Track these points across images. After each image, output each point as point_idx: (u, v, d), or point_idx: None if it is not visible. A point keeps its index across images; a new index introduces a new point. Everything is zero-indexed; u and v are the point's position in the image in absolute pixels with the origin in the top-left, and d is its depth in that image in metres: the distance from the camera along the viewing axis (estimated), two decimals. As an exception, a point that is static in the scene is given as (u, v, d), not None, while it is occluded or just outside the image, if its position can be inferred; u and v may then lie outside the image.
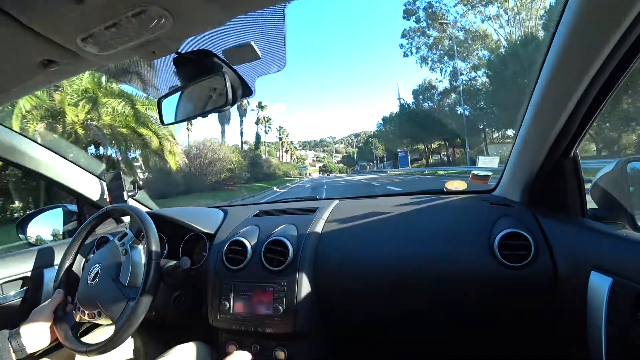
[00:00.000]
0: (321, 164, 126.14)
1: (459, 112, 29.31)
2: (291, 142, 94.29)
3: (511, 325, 0.94)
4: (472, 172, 1.32)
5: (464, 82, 29.57)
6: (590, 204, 0.92)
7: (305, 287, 0.95)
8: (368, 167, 75.14)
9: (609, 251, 0.71)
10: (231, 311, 0.97)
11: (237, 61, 0.66)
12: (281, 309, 0.93)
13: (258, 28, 0.60)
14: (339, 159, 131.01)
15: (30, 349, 0.78)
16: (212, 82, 0.67)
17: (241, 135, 46.66)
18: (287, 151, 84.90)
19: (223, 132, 34.21)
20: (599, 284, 0.67)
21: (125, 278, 0.85)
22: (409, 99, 38.85)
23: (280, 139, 78.52)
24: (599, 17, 0.57)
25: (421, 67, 33.21)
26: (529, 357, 1.00)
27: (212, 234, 1.16)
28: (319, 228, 1.08)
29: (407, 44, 33.20)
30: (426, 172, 26.86)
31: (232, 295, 0.98)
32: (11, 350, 0.75)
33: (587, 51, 0.63)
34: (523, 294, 0.85)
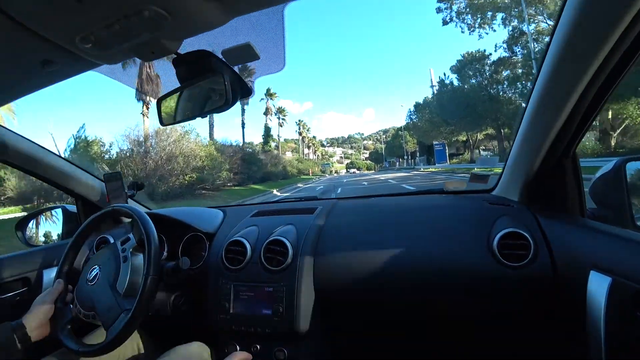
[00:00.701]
0: (348, 161, 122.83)
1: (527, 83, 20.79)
2: (313, 137, 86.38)
3: (510, 325, 0.94)
4: (472, 171, 1.32)
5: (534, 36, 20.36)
6: (589, 203, 0.93)
7: (304, 287, 0.95)
8: (397, 163, 66.65)
9: (608, 251, 0.71)
10: (231, 311, 0.97)
11: (236, 61, 0.66)
12: (281, 309, 0.93)
13: (257, 29, 0.60)
14: (366, 155, 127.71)
15: (34, 339, 0.80)
16: (211, 82, 0.67)
17: (242, 127, 38.25)
18: (309, 147, 78.56)
19: (212, 124, 27.39)
20: (598, 283, 0.67)
21: (122, 286, 0.85)
22: (447, 79, 29.88)
23: (300, 133, 71.05)
24: (598, 15, 0.58)
25: (462, 32, 24.56)
26: (528, 357, 1.00)
27: (212, 234, 1.17)
28: (318, 228, 1.08)
29: (446, 7, 24.91)
30: (475, 170, 17.20)
31: (231, 296, 0.98)
32: (17, 341, 0.76)
33: (586, 50, 0.63)
34: (522, 293, 0.85)
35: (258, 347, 0.95)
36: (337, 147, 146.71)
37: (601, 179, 0.91)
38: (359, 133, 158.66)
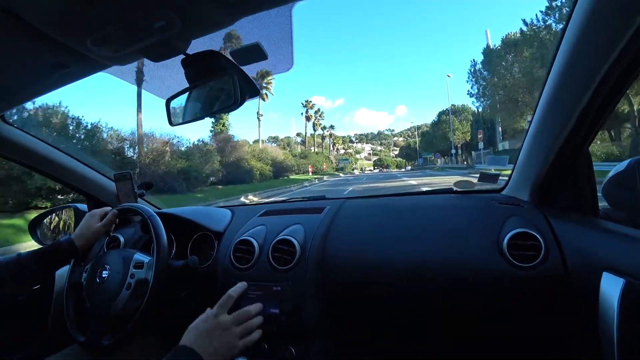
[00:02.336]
0: (376, 158, 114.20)
1: None
2: (332, 126, 69.87)
3: (519, 326, 0.93)
4: (481, 171, 1.31)
5: None
6: (602, 203, 0.91)
7: (312, 286, 0.95)
8: (439, 160, 47.34)
9: (621, 252, 0.70)
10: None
11: (244, 61, 0.66)
12: (289, 308, 0.93)
13: (265, 29, 0.60)
14: (396, 152, 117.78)
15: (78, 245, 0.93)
16: (219, 82, 0.67)
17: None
18: (323, 139, 64.34)
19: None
20: (611, 285, 0.66)
21: (114, 311, 0.84)
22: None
23: (308, 118, 54.14)
24: (615, 6, 0.56)
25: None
26: (532, 357, 0.99)
27: (221, 233, 1.17)
28: (326, 227, 1.08)
29: None
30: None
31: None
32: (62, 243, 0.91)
33: (602, 42, 0.61)
34: (532, 294, 0.84)
35: (265, 346, 0.96)
36: (366, 143, 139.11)
37: (614, 179, 0.89)
38: (389, 129, 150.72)
